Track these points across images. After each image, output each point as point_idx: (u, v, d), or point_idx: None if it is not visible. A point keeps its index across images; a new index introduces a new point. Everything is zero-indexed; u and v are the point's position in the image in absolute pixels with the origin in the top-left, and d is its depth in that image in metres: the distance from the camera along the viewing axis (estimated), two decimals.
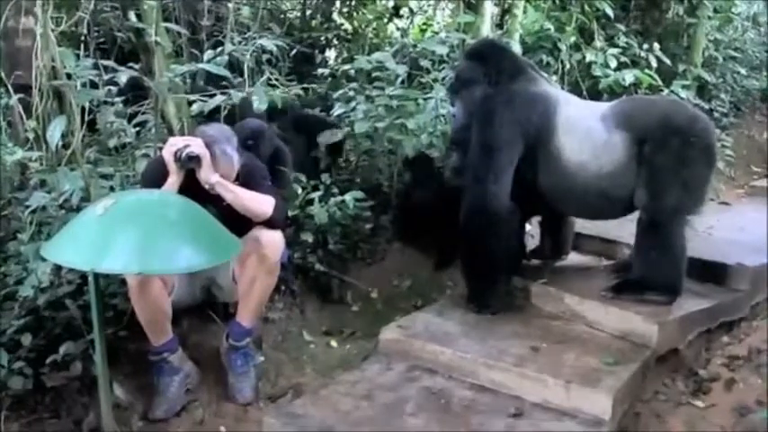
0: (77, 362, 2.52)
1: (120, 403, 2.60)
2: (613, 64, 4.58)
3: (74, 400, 2.55)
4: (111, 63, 2.87)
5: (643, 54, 4.88)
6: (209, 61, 2.78)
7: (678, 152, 2.92)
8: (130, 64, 3.00)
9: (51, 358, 2.46)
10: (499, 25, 4.27)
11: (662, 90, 4.94)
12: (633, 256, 3.20)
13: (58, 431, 2.46)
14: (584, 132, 3.03)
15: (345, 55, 5.58)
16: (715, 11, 5.69)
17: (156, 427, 2.59)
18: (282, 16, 5.37)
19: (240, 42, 3.40)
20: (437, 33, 5.44)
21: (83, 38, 3.28)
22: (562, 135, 3.03)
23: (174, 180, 2.57)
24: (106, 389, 2.29)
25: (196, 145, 2.57)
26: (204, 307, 2.96)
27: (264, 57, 4.31)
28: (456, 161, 3.24)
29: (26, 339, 2.45)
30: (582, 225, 3.71)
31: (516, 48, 4.03)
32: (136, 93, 3.33)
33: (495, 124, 3.02)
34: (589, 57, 4.59)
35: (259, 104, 2.89)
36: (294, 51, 4.93)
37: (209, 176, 2.58)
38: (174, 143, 2.57)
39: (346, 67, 3.95)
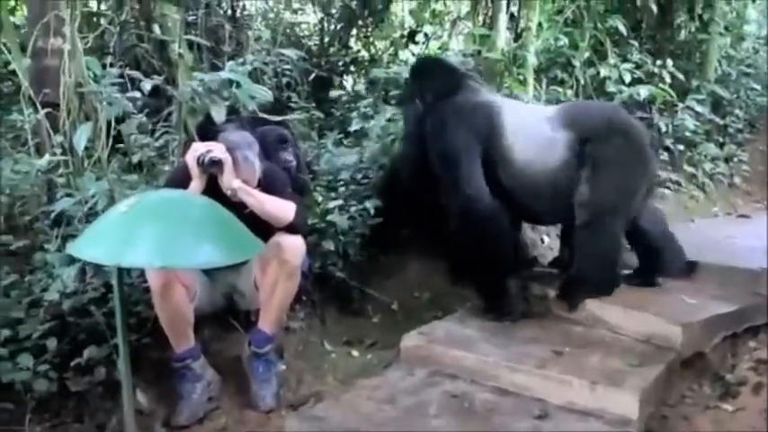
0: (101, 367, 2.54)
1: (143, 410, 2.60)
2: (627, 79, 4.63)
3: (97, 405, 2.56)
4: (136, 73, 2.95)
5: (656, 70, 4.92)
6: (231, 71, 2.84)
7: (618, 151, 3.06)
8: (154, 76, 3.08)
9: (75, 362, 2.48)
10: (515, 39, 4.32)
11: (676, 105, 4.98)
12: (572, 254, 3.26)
13: None
14: (530, 132, 3.16)
15: (363, 80, 5.67)
16: (726, 28, 5.75)
17: None
18: (301, 43, 5.49)
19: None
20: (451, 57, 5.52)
21: (109, 57, 3.37)
22: (510, 136, 3.14)
23: (196, 185, 2.61)
24: (129, 394, 2.29)
25: (218, 150, 2.62)
26: (226, 315, 2.97)
27: (285, 80, 4.42)
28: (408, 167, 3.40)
29: (51, 344, 2.48)
30: None
31: (532, 60, 4.11)
32: (158, 109, 3.40)
33: (448, 134, 3.14)
34: (603, 72, 4.64)
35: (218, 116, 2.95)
36: (312, 76, 5.02)
37: (230, 182, 2.62)
38: (197, 148, 2.63)
39: (360, 87, 4.01)
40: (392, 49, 5.69)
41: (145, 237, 2.05)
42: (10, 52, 3.22)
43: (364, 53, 5.83)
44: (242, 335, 2.93)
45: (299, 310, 3.18)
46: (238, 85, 2.84)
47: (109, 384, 2.56)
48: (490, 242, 3.09)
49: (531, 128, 3.18)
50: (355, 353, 3.18)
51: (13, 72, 3.31)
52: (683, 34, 5.70)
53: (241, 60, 2.97)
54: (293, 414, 2.61)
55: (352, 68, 5.72)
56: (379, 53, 5.79)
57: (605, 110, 3.41)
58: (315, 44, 5.64)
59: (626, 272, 3.39)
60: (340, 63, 5.56)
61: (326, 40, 5.62)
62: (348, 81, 5.77)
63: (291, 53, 3.04)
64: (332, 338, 3.23)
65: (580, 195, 3.08)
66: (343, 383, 2.92)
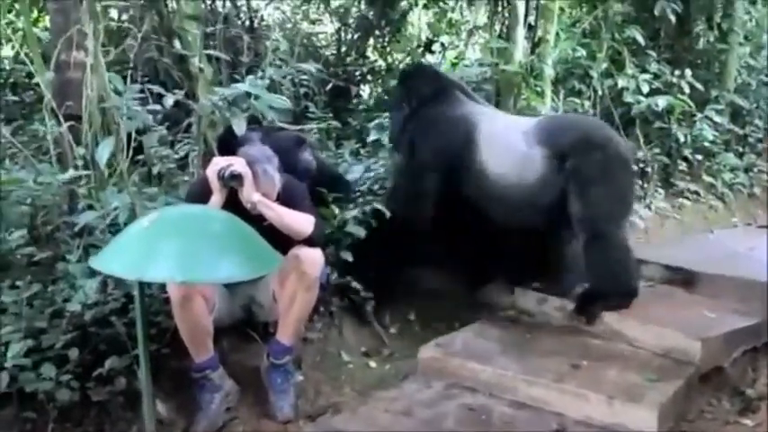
0: (122, 377, 2.56)
1: (163, 419, 2.62)
2: (645, 90, 4.61)
3: (118, 414, 2.58)
4: (157, 88, 3.00)
5: (675, 80, 4.90)
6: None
7: (600, 165, 3.11)
8: (175, 90, 3.12)
9: (97, 372, 2.51)
10: (532, 50, 4.32)
11: (695, 115, 4.94)
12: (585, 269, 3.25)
13: None
14: (505, 146, 3.25)
15: (380, 90, 5.71)
16: (746, 38, 5.72)
17: None
18: (318, 53, 5.54)
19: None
20: (469, 67, 5.54)
21: (129, 71, 3.41)
22: (484, 150, 3.25)
23: (217, 199, 2.64)
24: (150, 404, 2.31)
25: (239, 164, 2.65)
26: (244, 326, 2.99)
27: (302, 90, 4.45)
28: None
29: (73, 354, 2.50)
30: None
31: (549, 71, 4.11)
32: (178, 121, 3.44)
33: (418, 151, 3.30)
34: (621, 83, 4.62)
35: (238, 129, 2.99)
36: (329, 86, 5.05)
37: (250, 195, 2.65)
38: (218, 162, 2.66)
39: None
40: (409, 58, 5.71)
41: (166, 252, 2.07)
42: (32, 63, 3.28)
43: (381, 62, 5.86)
44: (260, 345, 2.95)
45: (317, 320, 3.19)
46: (257, 97, 2.87)
47: (129, 394, 2.58)
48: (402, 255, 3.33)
49: (507, 142, 3.25)
50: (373, 364, 3.19)
51: (37, 83, 3.36)
52: (701, 43, 5.65)
53: (260, 74, 3.01)
54: (311, 425, 2.63)
55: (369, 78, 5.75)
56: (396, 63, 5.82)
57: (582, 124, 3.41)
58: (332, 54, 5.68)
59: None
60: (357, 73, 5.58)
61: (343, 49, 5.66)
62: (365, 90, 5.80)
63: (310, 67, 3.07)
64: (349, 349, 3.23)
65: (574, 213, 3.11)
66: (360, 394, 2.93)
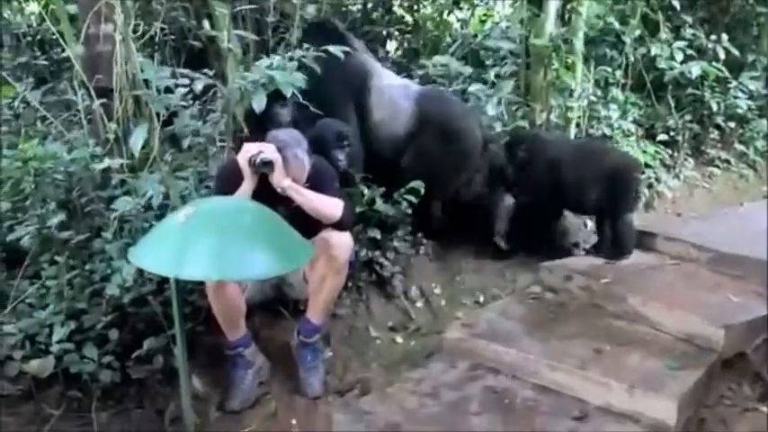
0: (159, 356, 2.67)
1: (198, 394, 2.73)
2: (679, 57, 4.49)
3: (156, 391, 2.70)
4: (186, 71, 3.00)
5: (710, 45, 4.75)
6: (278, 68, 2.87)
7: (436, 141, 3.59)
8: (205, 70, 3.11)
9: (136, 353, 2.62)
10: (562, 18, 4.19)
11: (729, 82, 4.81)
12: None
13: (143, 420, 2.62)
14: (392, 105, 3.66)
15: (406, 46, 5.60)
16: None
17: (232, 419, 2.72)
18: (344, 9, 5.42)
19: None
20: (498, 24, 5.41)
21: (157, 42, 3.39)
22: (374, 99, 3.64)
23: (248, 185, 2.68)
24: (186, 382, 2.43)
25: (269, 151, 2.67)
26: (275, 304, 3.08)
27: None
28: None
29: (113, 334, 2.62)
30: (643, 224, 3.72)
31: (579, 44, 4.00)
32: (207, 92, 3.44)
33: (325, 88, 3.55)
34: (654, 50, 4.49)
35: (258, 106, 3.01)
36: None
37: (281, 180, 2.68)
38: (249, 149, 2.68)
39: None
40: (436, 15, 5.58)
41: (201, 249, 2.14)
42: (59, 22, 3.26)
43: (408, 18, 5.73)
44: (291, 321, 3.04)
45: (346, 296, 3.26)
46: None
47: (167, 371, 2.69)
48: None
49: (393, 101, 3.64)
50: (399, 339, 3.27)
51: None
52: (738, 4, 5.42)
53: (288, 55, 2.98)
54: (340, 407, 2.72)
55: (396, 35, 5.63)
56: (423, 20, 5.68)
57: (438, 103, 3.74)
58: (358, 10, 5.55)
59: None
60: (383, 31, 5.46)
61: (369, 6, 5.52)
62: (391, 47, 5.70)
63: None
64: (376, 324, 3.31)
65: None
66: (387, 371, 3.02)
